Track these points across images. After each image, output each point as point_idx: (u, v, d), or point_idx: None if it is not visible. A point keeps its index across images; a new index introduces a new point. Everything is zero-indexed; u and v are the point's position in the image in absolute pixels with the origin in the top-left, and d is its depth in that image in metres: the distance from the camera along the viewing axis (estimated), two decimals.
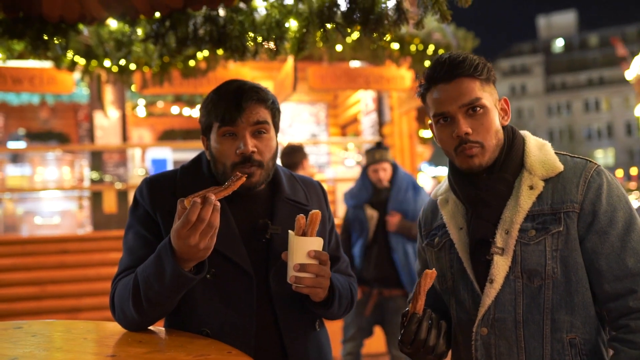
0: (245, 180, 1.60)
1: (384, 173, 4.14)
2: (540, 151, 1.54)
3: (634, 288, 1.38)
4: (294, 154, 4.28)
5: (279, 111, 1.74)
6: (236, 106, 1.62)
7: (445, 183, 1.69)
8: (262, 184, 1.70)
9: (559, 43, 68.95)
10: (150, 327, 1.63)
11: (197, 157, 1.80)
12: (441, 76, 1.51)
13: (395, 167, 4.22)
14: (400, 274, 4.01)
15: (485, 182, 1.53)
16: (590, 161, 1.51)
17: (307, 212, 1.67)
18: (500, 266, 1.47)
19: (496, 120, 1.52)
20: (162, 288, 1.47)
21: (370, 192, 4.21)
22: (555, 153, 1.54)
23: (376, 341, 5.00)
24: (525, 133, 1.61)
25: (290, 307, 1.68)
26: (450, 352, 1.66)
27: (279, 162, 1.95)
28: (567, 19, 69.93)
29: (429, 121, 1.60)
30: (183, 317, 1.65)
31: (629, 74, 10.40)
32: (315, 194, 1.87)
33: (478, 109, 1.49)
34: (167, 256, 1.44)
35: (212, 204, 1.39)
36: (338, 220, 5.59)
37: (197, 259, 1.46)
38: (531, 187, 1.49)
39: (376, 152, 4.20)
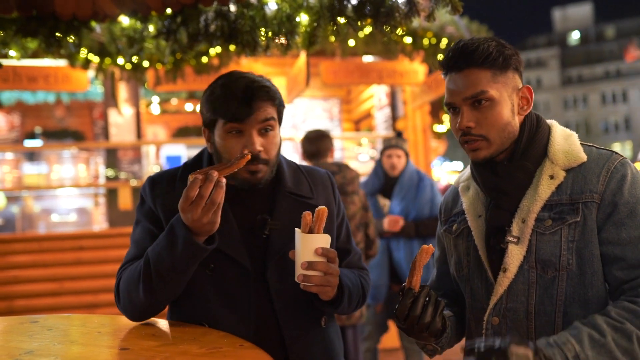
0: (251, 177, 1.61)
1: (398, 160, 4.12)
2: (565, 141, 1.50)
3: None
4: (323, 140, 3.75)
5: (283, 106, 1.71)
6: (247, 105, 1.59)
7: (468, 170, 1.66)
8: (267, 181, 1.68)
9: (575, 35, 68.18)
10: (163, 321, 1.65)
11: (199, 153, 1.80)
12: (452, 65, 1.48)
13: (406, 163, 4.21)
14: (405, 270, 4.01)
15: (505, 169, 1.50)
16: (616, 153, 1.47)
17: (311, 205, 1.65)
18: (515, 255, 1.44)
19: (505, 113, 1.46)
20: (174, 259, 1.49)
21: (382, 181, 4.20)
22: (581, 144, 1.50)
23: (390, 337, 4.99)
24: (552, 122, 1.57)
25: (291, 304, 1.65)
26: (451, 337, 1.60)
27: (285, 153, 1.91)
28: (582, 11, 69.12)
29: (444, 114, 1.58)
30: (184, 312, 1.66)
31: None
32: (322, 185, 1.82)
33: (483, 101, 1.45)
34: (179, 226, 1.48)
35: (212, 181, 1.42)
36: None
37: (205, 233, 1.49)
38: (552, 177, 1.45)
39: (393, 139, 4.27)
